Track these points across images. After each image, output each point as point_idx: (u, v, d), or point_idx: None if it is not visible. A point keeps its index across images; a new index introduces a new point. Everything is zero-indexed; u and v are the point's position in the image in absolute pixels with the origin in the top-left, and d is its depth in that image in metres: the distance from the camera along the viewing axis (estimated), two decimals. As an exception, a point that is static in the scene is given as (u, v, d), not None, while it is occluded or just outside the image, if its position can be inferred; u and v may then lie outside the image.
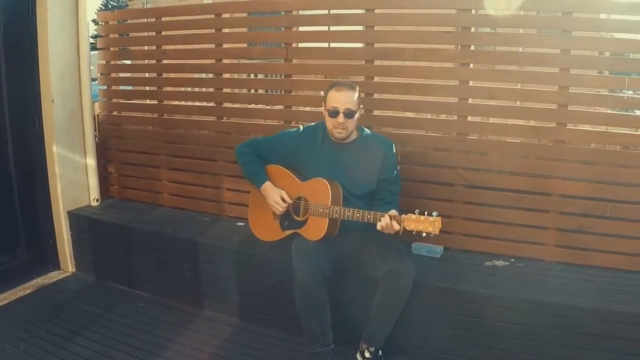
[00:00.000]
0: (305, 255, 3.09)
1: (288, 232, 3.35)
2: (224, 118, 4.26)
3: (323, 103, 3.22)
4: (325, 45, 4.05)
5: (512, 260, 3.48)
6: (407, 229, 2.90)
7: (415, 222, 2.89)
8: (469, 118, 3.53)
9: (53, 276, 4.41)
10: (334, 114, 3.13)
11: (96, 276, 4.38)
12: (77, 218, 4.43)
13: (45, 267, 4.45)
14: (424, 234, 2.88)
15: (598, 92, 3.57)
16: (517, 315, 3.00)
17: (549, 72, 3.37)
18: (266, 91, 5.06)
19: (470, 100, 3.50)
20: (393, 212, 2.95)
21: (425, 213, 2.89)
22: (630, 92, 3.57)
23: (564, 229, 3.40)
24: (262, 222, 3.49)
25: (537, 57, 3.40)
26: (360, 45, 3.77)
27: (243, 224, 4.05)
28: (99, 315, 3.76)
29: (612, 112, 3.54)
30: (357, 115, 3.17)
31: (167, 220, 4.24)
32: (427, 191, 3.64)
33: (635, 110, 3.72)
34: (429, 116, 3.93)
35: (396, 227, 2.91)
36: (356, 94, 3.16)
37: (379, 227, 2.95)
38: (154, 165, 4.58)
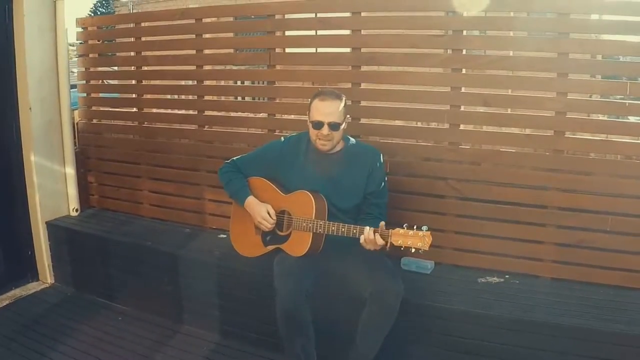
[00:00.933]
0: (287, 274, 2.87)
1: (270, 248, 3.12)
2: (206, 126, 4.07)
3: (307, 113, 3.00)
4: (310, 50, 3.83)
5: (507, 276, 3.25)
6: (395, 244, 2.68)
7: (404, 236, 2.66)
8: (462, 126, 3.30)
9: (31, 287, 4.24)
10: (317, 125, 2.92)
11: (75, 288, 4.20)
12: (55, 229, 4.26)
13: (23, 278, 4.27)
14: (413, 250, 2.66)
15: (591, 97, 3.34)
16: (511, 336, 2.78)
17: (546, 78, 3.14)
18: (253, 98, 4.80)
19: (462, 108, 3.27)
20: (381, 224, 2.73)
21: (415, 227, 2.66)
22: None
23: (561, 243, 3.17)
24: (244, 237, 3.25)
25: (533, 62, 3.16)
26: (346, 50, 3.54)
27: (225, 236, 3.87)
28: (76, 329, 3.58)
29: (612, 119, 3.31)
30: (342, 127, 2.95)
31: (147, 232, 4.07)
32: (416, 203, 3.43)
33: (629, 117, 3.48)
34: (418, 124, 3.71)
35: (379, 241, 2.70)
36: (342, 104, 2.94)
37: (361, 240, 2.74)
38: (135, 175, 4.40)
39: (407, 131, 3.57)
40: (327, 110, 2.90)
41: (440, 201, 3.38)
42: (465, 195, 3.31)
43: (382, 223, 2.73)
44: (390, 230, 2.70)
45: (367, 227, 2.73)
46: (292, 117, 3.84)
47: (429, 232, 2.64)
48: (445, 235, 3.34)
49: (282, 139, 3.20)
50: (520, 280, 3.20)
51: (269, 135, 3.75)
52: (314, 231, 2.90)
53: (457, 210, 3.35)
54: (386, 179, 3.09)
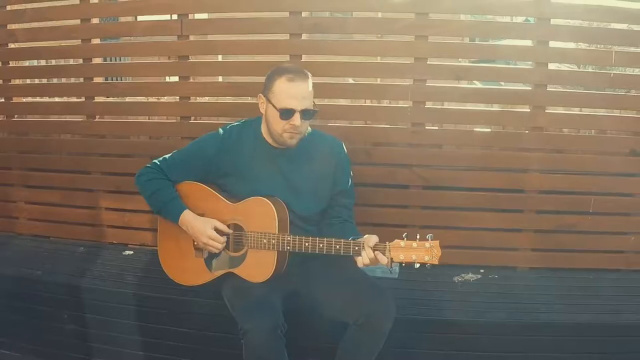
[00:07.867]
0: (256, 308, 2.13)
1: (219, 273, 2.34)
2: (97, 117, 3.16)
3: (263, 96, 2.25)
4: (236, 15, 3.00)
5: (482, 271, 2.81)
6: (396, 260, 2.05)
7: (406, 250, 2.04)
8: (427, 104, 2.76)
9: None
10: (287, 114, 2.16)
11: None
12: None
13: None
14: (418, 266, 2.04)
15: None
16: (509, 343, 2.39)
17: (525, 46, 2.69)
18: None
19: (428, 83, 2.71)
20: (373, 238, 2.08)
21: (418, 237, 2.06)
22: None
23: (541, 229, 2.79)
24: (180, 261, 2.43)
25: (510, 28, 2.69)
26: (284, 14, 2.80)
27: (132, 252, 3.12)
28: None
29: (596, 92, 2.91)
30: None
31: (30, 256, 3.09)
32: (374, 196, 2.85)
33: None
34: (368, 103, 3.09)
35: (382, 260, 2.05)
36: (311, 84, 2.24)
37: (360, 263, 2.08)
38: (5, 183, 3.38)
39: (357, 111, 2.95)
40: (301, 93, 2.16)
41: (402, 192, 2.86)
42: (431, 184, 2.81)
43: (374, 237, 2.09)
44: (387, 244, 2.06)
45: (365, 244, 2.06)
46: (208, 99, 3.06)
47: (437, 242, 2.04)
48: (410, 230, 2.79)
49: (220, 130, 2.40)
50: (499, 274, 2.81)
51: (181, 125, 2.99)
52: (280, 249, 2.18)
53: (422, 201, 2.85)
54: (352, 173, 2.44)
